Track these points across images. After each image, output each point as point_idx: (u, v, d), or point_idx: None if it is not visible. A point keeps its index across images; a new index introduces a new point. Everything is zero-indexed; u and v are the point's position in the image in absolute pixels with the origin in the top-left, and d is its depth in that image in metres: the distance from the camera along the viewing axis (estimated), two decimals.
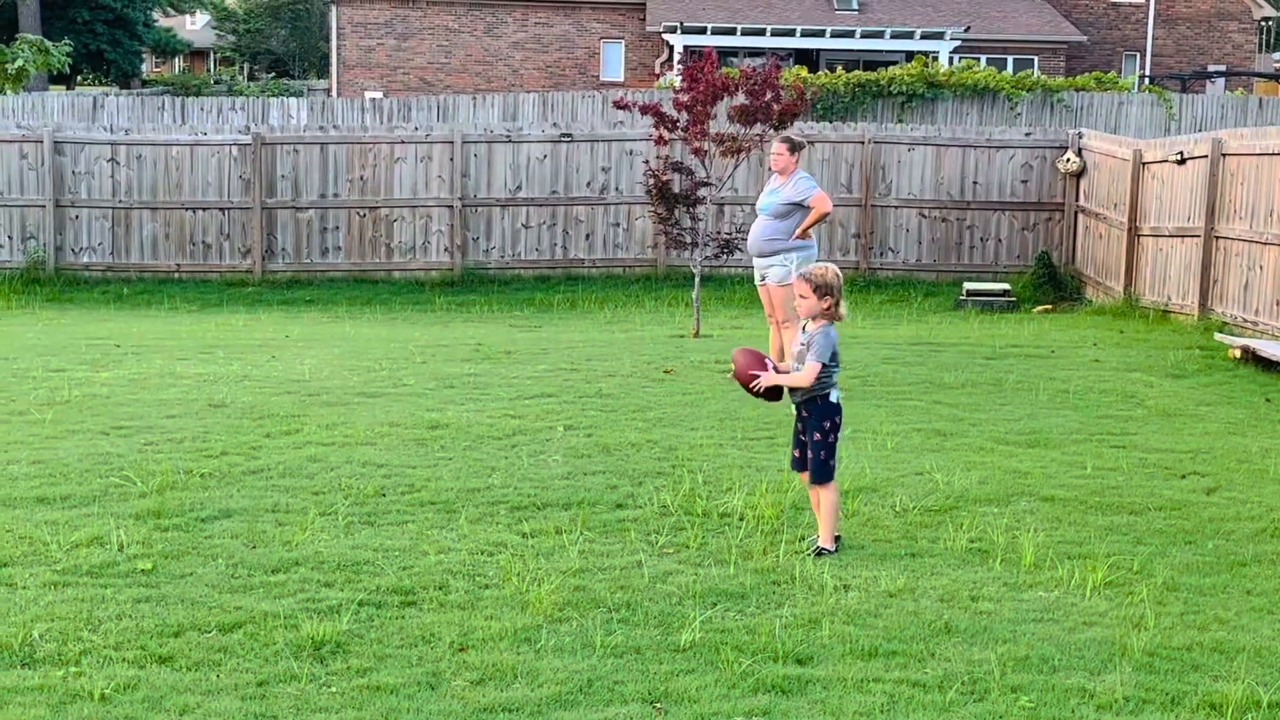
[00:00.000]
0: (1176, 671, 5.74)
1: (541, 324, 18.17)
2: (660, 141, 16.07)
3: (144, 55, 76.71)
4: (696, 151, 15.73)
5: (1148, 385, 12.69)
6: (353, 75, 49.01)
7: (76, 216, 21.87)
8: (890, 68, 28.98)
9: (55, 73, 28.03)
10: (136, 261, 21.89)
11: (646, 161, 17.42)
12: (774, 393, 7.54)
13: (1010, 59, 42.38)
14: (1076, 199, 21.54)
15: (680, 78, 15.81)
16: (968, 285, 20.42)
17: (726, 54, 42.03)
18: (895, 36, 41.73)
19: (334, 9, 49.27)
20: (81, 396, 11.51)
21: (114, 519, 7.70)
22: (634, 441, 9.87)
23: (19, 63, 17.69)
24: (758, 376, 7.42)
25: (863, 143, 21.96)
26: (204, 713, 5.14)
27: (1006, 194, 21.95)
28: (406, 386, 12.09)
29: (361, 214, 21.84)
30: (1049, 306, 19.90)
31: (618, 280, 21.75)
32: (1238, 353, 13.67)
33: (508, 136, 22.05)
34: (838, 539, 7.43)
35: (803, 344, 7.44)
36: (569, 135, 21.58)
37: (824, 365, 7.35)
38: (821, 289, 7.33)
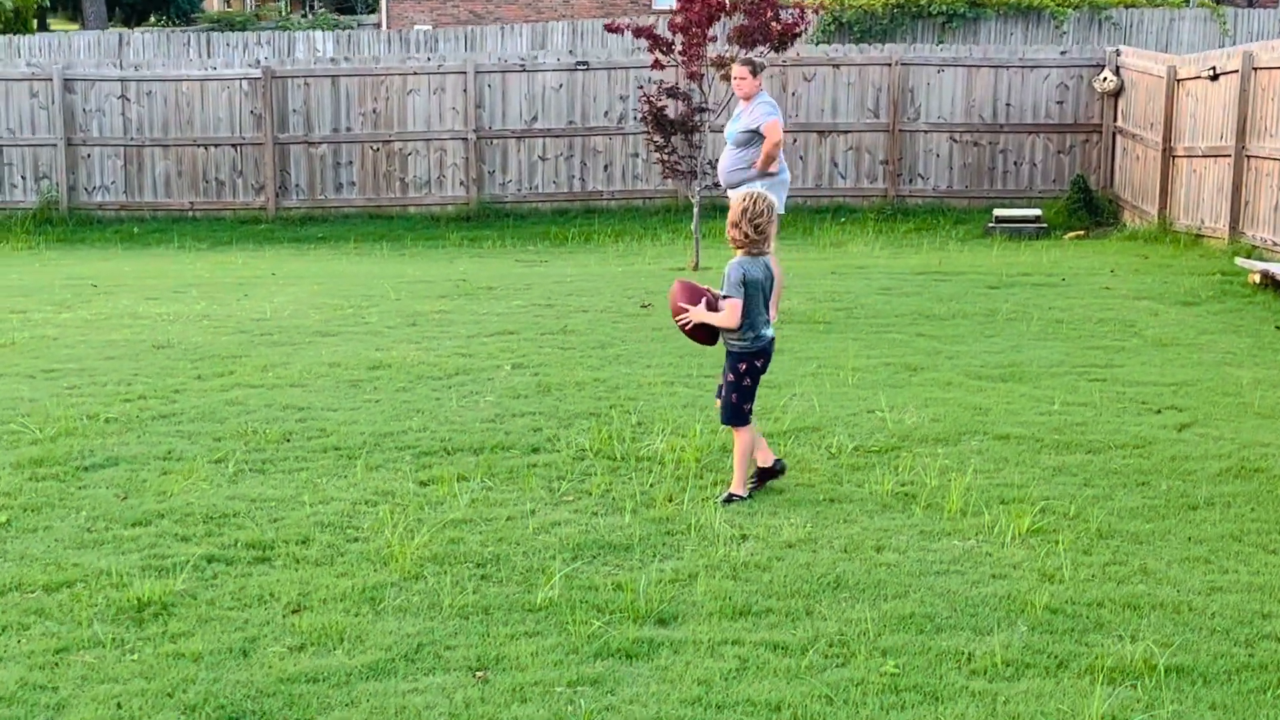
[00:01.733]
0: (1075, 631, 5.25)
1: (550, 258, 17.74)
2: (657, 66, 15.50)
3: None
4: (693, 76, 15.18)
5: (1152, 314, 12.12)
6: (402, 9, 48.42)
7: (88, 155, 21.68)
8: None
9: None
10: (150, 200, 21.70)
11: (641, 87, 16.75)
12: (704, 332, 7.09)
13: None
14: (1115, 120, 20.75)
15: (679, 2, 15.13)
16: (997, 211, 19.71)
17: None
18: None
19: None
20: (29, 339, 11.32)
21: None
22: (579, 380, 9.49)
23: None
24: (686, 311, 6.95)
25: (890, 64, 21.23)
26: None
27: (1041, 116, 21.18)
28: (367, 325, 11.78)
29: (375, 148, 21.49)
30: (1081, 232, 19.16)
31: (637, 212, 21.22)
32: (1257, 278, 13.00)
33: (522, 66, 21.52)
34: (756, 482, 7.02)
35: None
36: (585, 63, 21.02)
37: (747, 299, 6.85)
38: (751, 218, 6.84)
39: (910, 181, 21.36)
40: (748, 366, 7.02)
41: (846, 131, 21.19)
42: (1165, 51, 24.03)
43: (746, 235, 6.84)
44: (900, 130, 21.21)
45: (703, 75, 15.15)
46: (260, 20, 49.53)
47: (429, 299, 13.05)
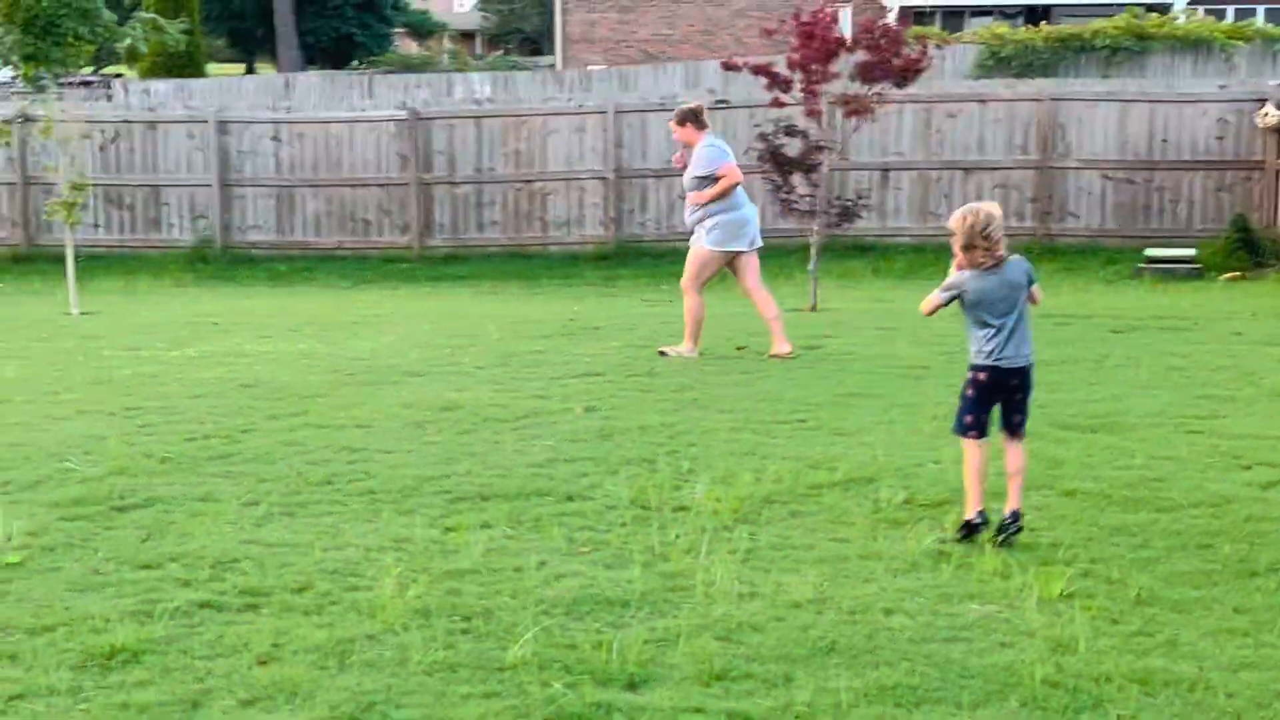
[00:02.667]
0: (1069, 710, 4.82)
1: (676, 298, 17.48)
2: (776, 104, 15.28)
3: (394, 37, 78.13)
4: (811, 113, 14.89)
5: (1278, 361, 11.41)
6: (577, 50, 48.91)
7: (242, 195, 22.18)
8: (1095, 20, 27.33)
9: (173, 51, 27.91)
10: (300, 239, 22.10)
11: (757, 125, 16.46)
12: None
13: (1231, 9, 39.58)
14: (1278, 156, 19.79)
15: (795, 36, 14.90)
16: (1149, 252, 19.04)
17: (952, 13, 40.63)
18: None
19: None
20: (128, 376, 11.45)
21: (30, 506, 7.39)
22: (645, 425, 9.20)
23: (128, 41, 17.77)
24: None
25: (1039, 100, 20.65)
26: None
27: (1200, 152, 20.41)
28: (458, 365, 11.69)
29: (516, 188, 21.58)
30: (1238, 274, 18.34)
31: (777, 251, 20.84)
32: None
33: (662, 105, 21.40)
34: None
35: None
36: (725, 102, 20.81)
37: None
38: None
39: (1060, 220, 20.73)
40: (971, 379, 6.86)
41: (994, 169, 20.67)
42: None
43: (966, 247, 6.59)
44: (1050, 167, 20.61)
45: (822, 112, 14.87)
46: (432, 63, 50.36)
47: (530, 339, 12.91)
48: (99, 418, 9.70)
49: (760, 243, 12.57)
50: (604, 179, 21.28)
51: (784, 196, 15.42)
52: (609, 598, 5.91)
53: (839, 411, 9.52)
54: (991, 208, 6.64)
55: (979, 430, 6.77)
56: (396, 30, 77.79)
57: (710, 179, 11.86)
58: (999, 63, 26.16)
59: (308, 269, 21.25)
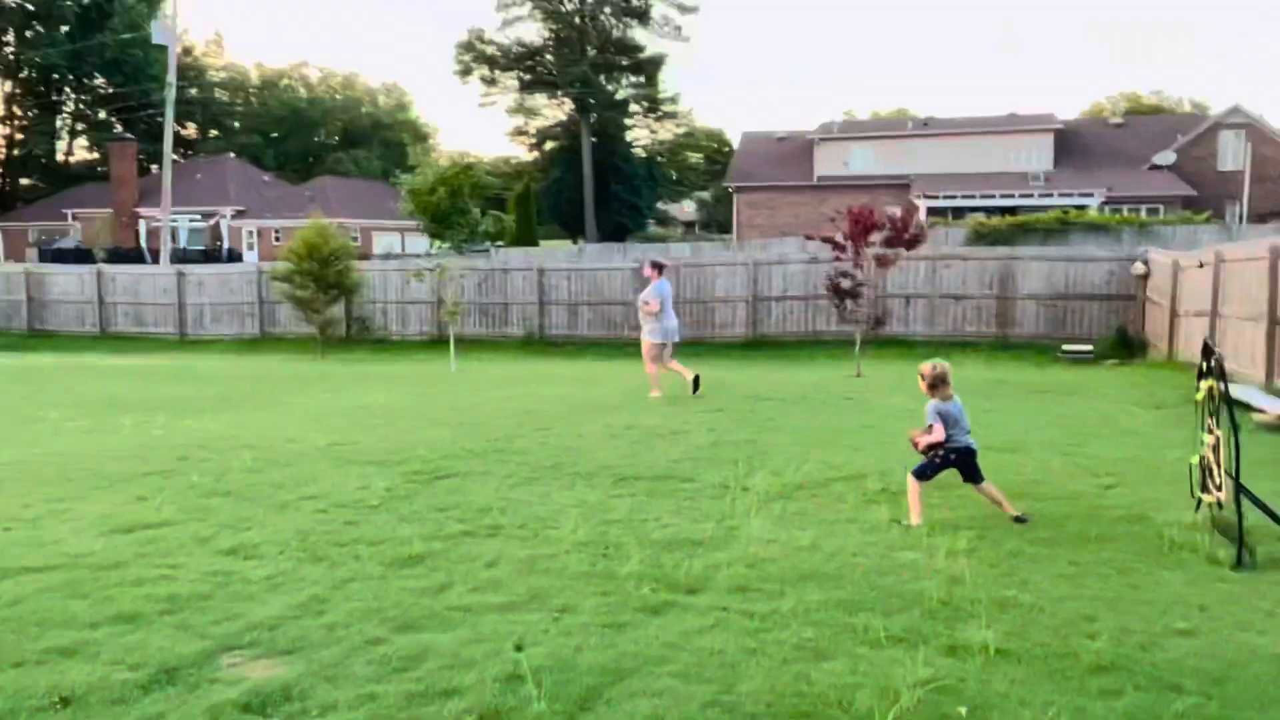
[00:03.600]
0: (950, 619, 4.45)
1: (789, 369, 17.05)
2: (837, 259, 14.85)
3: (649, 224, 78.97)
4: (857, 264, 14.44)
5: (1128, 414, 10.51)
6: (744, 232, 48.75)
7: (549, 309, 22.42)
8: (1040, 213, 25.98)
9: (500, 235, 28.10)
10: (580, 333, 22.24)
11: (827, 273, 15.98)
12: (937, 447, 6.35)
13: (1143, 208, 37.25)
14: (1144, 293, 18.41)
15: (846, 221, 14.46)
16: (1064, 347, 17.85)
17: (960, 211, 39.20)
18: (1061, 195, 37.51)
19: (734, 196, 49.16)
20: (471, 402, 11.53)
21: (390, 473, 7.46)
22: (740, 440, 8.92)
23: (483, 227, 18.37)
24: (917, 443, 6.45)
25: (1000, 259, 19.65)
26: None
27: (1097, 289, 19.04)
28: (640, 403, 11.39)
29: (697, 305, 21.34)
30: (1117, 361, 17.04)
31: (839, 342, 20.02)
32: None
33: (780, 260, 21.08)
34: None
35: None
36: (815, 258, 20.31)
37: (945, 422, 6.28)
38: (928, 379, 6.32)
39: (1011, 328, 19.56)
40: (944, 453, 6.28)
41: (972, 298, 19.68)
42: (1189, 252, 21.33)
43: (932, 386, 6.31)
44: (1006, 297, 19.52)
45: (862, 265, 14.39)
46: (664, 238, 50.58)
47: (686, 389, 12.64)
48: (445, 427, 9.81)
49: (678, 338, 12.55)
50: (746, 301, 20.94)
51: (841, 312, 14.93)
52: (689, 539, 5.74)
53: (855, 435, 9.13)
54: (946, 364, 6.41)
55: (930, 479, 6.38)
56: (650, 220, 78.70)
57: (653, 298, 12.08)
58: (979, 238, 25.11)
59: (583, 350, 21.40)
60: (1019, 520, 6.10)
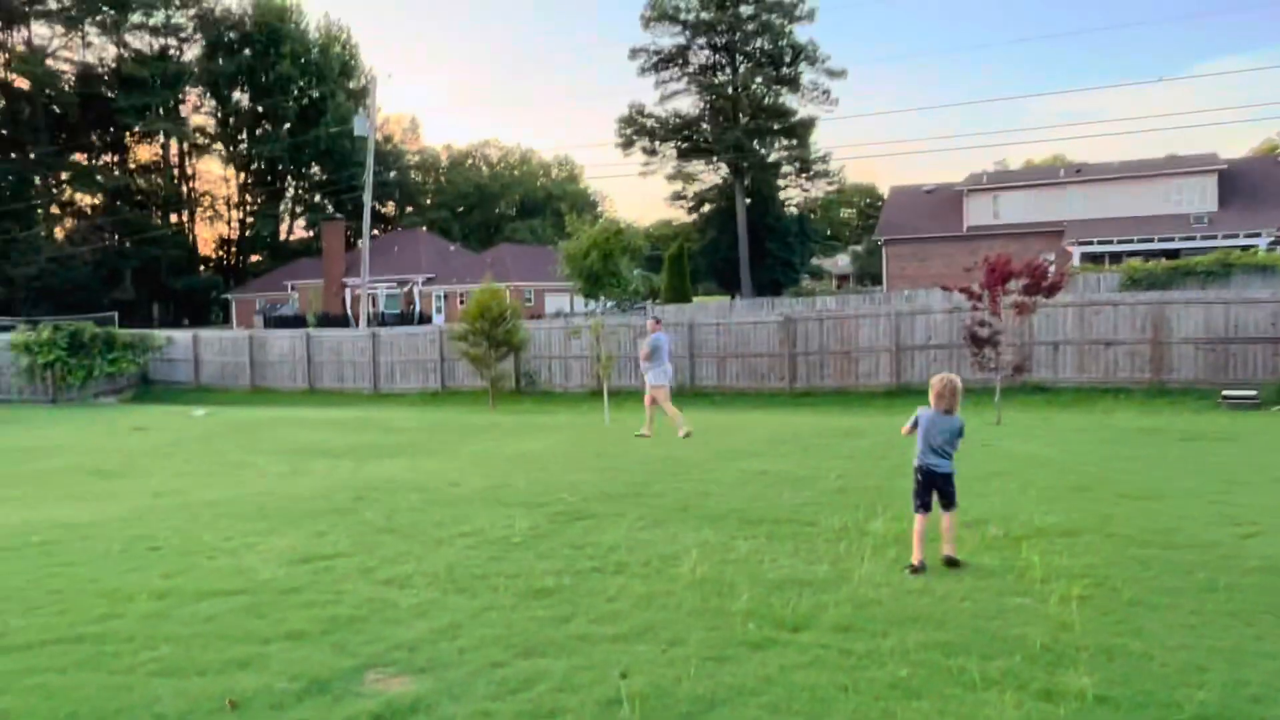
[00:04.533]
0: (1051, 665, 4.25)
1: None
2: (974, 309, 14.33)
3: (802, 279, 78.10)
4: (994, 312, 13.88)
5: None
6: (894, 283, 47.56)
7: (699, 360, 22.60)
8: (1200, 255, 24.12)
9: (651, 291, 28.44)
10: (729, 384, 22.25)
11: (965, 321, 15.40)
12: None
13: None
14: None
15: (983, 270, 13.97)
16: (1225, 392, 16.44)
17: (1117, 256, 36.92)
18: (1225, 236, 34.69)
19: (883, 249, 48.13)
20: (616, 450, 11.73)
21: (534, 514, 7.73)
22: (867, 486, 8.74)
23: (633, 286, 18.77)
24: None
25: (1151, 304, 18.36)
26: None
27: (1263, 332, 17.43)
28: (778, 450, 11.28)
29: (841, 355, 21.00)
30: None
31: (978, 391, 19.22)
32: None
33: (924, 310, 20.48)
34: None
35: None
36: (958, 308, 19.62)
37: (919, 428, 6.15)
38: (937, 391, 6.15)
39: (1168, 373, 18.19)
40: (914, 472, 6.21)
41: (1124, 343, 18.47)
42: None
43: (938, 396, 6.17)
44: (1160, 342, 18.20)
45: (1000, 314, 13.84)
46: (813, 293, 49.98)
47: (826, 437, 12.47)
48: (590, 472, 10.00)
49: (673, 382, 14.03)
50: (889, 350, 20.46)
51: (979, 360, 14.36)
52: (801, 580, 5.72)
53: (982, 482, 8.75)
54: (955, 379, 6.21)
55: (918, 506, 6.16)
56: (803, 275, 77.90)
57: (649, 348, 13.33)
58: (1133, 283, 23.48)
59: (730, 400, 21.40)
60: (950, 563, 5.89)
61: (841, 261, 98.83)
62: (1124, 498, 7.94)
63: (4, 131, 63.37)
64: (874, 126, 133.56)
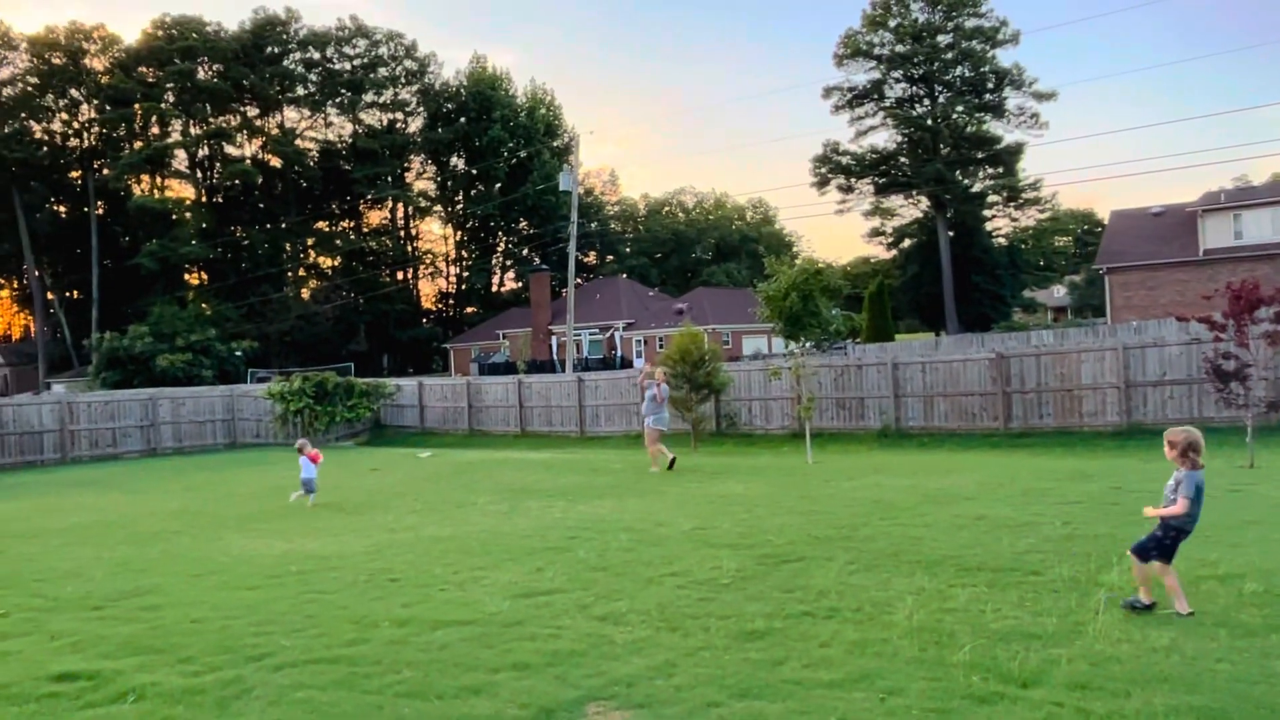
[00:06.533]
0: None
1: (1158, 457, 15.04)
2: (1216, 340, 13.06)
3: (1014, 313, 73.92)
4: (1241, 344, 12.59)
5: None
6: (1119, 314, 44.10)
7: (905, 400, 21.88)
8: None
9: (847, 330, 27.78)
10: (937, 424, 21.38)
11: (1205, 355, 14.00)
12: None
13: None
14: None
15: (1226, 298, 12.71)
16: None
17: None
18: None
19: (1105, 278, 44.77)
20: (824, 494, 11.50)
21: (741, 556, 7.76)
22: (1099, 534, 8.14)
23: (834, 325, 18.38)
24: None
25: None
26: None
27: None
28: (997, 494, 10.65)
29: (1062, 394, 19.66)
30: None
31: (1222, 430, 17.24)
32: None
33: (1155, 343, 18.84)
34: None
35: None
36: (1197, 339, 17.92)
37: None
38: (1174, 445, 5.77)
39: None
40: (1174, 533, 5.76)
41: None
42: None
43: (1183, 454, 5.75)
44: None
45: (1248, 345, 12.52)
46: (1025, 326, 47.13)
47: (1049, 480, 11.61)
48: (795, 515, 9.91)
49: (666, 427, 15.77)
50: (1117, 387, 18.93)
51: (1225, 396, 13.03)
52: (1028, 633, 5.41)
53: (1234, 531, 7.94)
54: (1198, 432, 5.77)
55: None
56: (1015, 309, 73.76)
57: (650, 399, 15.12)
58: None
59: (938, 441, 20.51)
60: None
61: (1058, 293, 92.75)
62: None
63: (261, 205, 71.81)
64: (1089, 149, 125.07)
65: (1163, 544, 5.74)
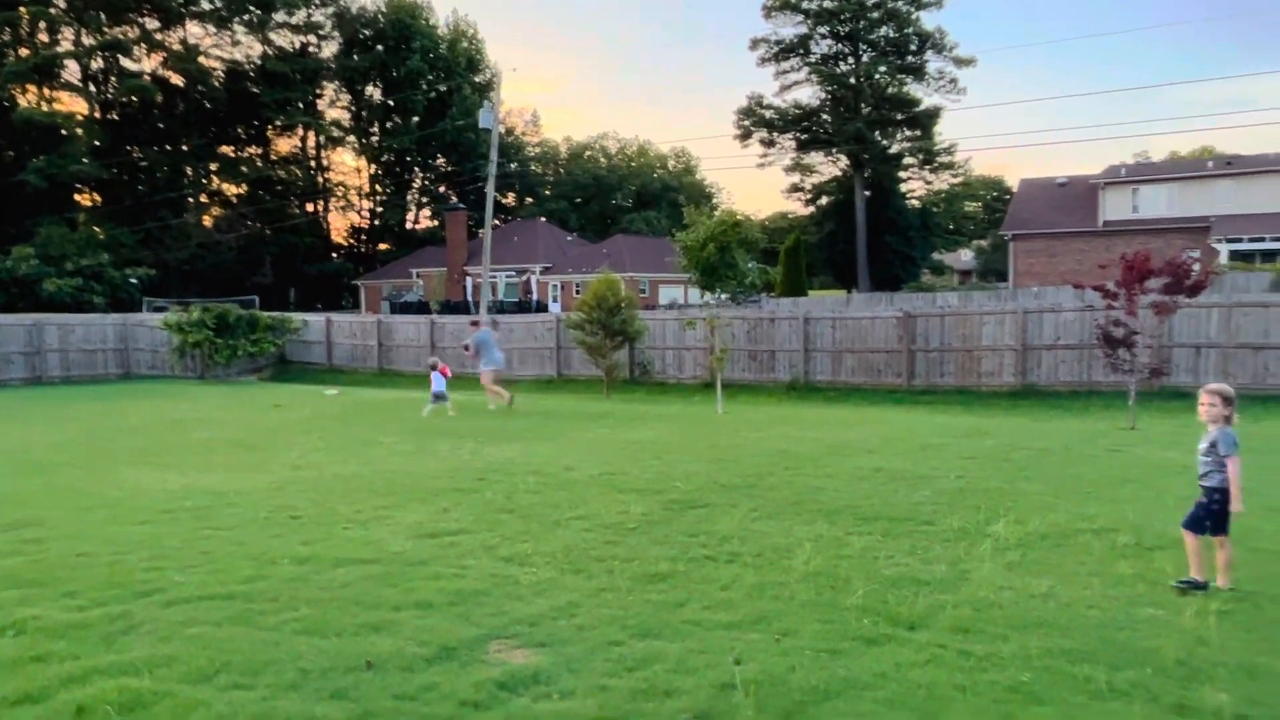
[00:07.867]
0: (1185, 680, 4.06)
1: (1049, 417, 15.85)
2: (1109, 308, 13.68)
3: (922, 274, 75.76)
4: (1130, 312, 13.21)
5: None
6: (1021, 279, 45.77)
7: (813, 355, 22.31)
8: None
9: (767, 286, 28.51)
10: (843, 379, 21.90)
11: (1098, 322, 14.67)
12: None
13: None
14: None
15: (1120, 268, 13.29)
16: None
17: (1270, 254, 34.61)
18: None
19: (1010, 244, 46.35)
20: (726, 442, 11.68)
21: (649, 501, 7.82)
22: (989, 487, 8.47)
23: (750, 279, 18.59)
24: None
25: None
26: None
27: None
28: (892, 448, 11.00)
29: (963, 354, 20.37)
30: None
31: (1107, 395, 18.19)
32: None
33: (1053, 308, 19.64)
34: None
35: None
36: (1091, 306, 18.71)
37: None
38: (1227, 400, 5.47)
39: None
40: (1219, 497, 5.38)
41: (1275, 348, 17.25)
42: None
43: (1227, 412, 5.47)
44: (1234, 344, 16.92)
45: (1136, 314, 13.14)
46: (931, 288, 48.47)
47: (942, 437, 12.06)
48: (704, 463, 10.02)
49: (501, 366, 17.71)
50: (1015, 349, 19.71)
51: (1112, 362, 13.70)
52: (917, 579, 5.66)
53: (1112, 488, 8.40)
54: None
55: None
56: (924, 270, 75.68)
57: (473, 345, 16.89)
58: None
59: (844, 395, 21.05)
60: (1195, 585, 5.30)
61: (965, 257, 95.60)
62: (1272, 510, 7.46)
63: (161, 125, 67.93)
64: (1003, 117, 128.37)
65: (1213, 511, 5.39)
